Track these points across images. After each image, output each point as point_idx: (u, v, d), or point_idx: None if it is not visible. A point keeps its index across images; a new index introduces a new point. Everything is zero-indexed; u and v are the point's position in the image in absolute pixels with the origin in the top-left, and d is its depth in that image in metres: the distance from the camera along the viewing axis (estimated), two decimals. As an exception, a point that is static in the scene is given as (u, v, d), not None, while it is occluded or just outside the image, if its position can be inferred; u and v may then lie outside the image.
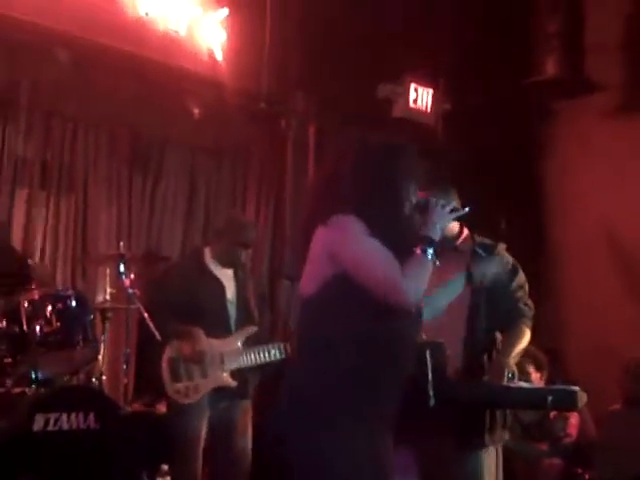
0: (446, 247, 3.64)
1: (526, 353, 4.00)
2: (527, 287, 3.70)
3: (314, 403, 2.58)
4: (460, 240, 3.69)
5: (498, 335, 3.57)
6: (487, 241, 3.73)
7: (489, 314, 3.56)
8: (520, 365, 3.69)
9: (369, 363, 2.59)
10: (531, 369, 5.12)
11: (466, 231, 3.73)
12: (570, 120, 7.21)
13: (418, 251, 2.67)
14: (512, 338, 3.57)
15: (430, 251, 2.69)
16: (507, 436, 3.60)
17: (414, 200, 2.77)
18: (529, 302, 3.68)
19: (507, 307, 3.60)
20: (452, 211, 2.84)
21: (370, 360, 2.59)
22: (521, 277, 3.68)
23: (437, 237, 2.74)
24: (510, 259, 3.70)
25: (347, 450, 2.55)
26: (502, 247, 3.72)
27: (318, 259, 2.63)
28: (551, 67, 6.67)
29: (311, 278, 2.65)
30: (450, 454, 3.46)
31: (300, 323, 2.75)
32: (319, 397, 2.58)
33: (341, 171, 2.71)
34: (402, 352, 2.67)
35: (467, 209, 2.94)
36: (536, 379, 5.14)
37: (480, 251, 3.63)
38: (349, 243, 2.61)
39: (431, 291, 3.59)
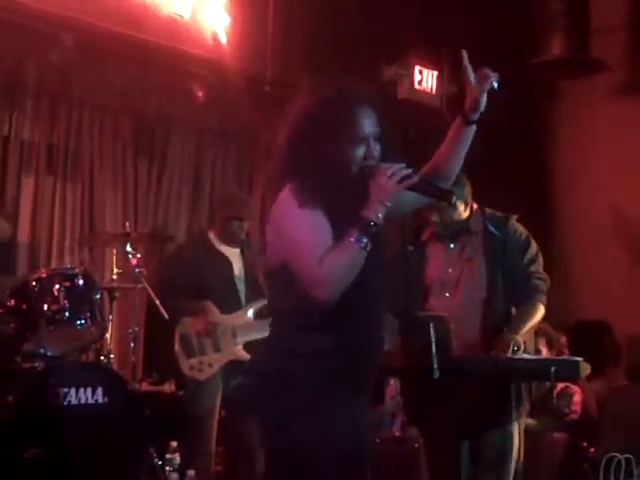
0: (460, 230, 3.71)
1: (539, 330, 3.98)
2: (541, 259, 3.69)
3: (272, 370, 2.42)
4: (472, 220, 3.69)
5: (513, 310, 3.61)
6: (498, 214, 3.74)
7: (506, 291, 3.58)
8: (531, 342, 3.70)
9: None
10: (542, 346, 5.11)
11: (475, 206, 3.74)
12: (576, 99, 7.20)
13: (351, 238, 2.29)
14: (524, 314, 3.60)
15: (364, 239, 2.30)
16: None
17: (371, 160, 2.39)
18: (543, 275, 3.67)
19: (520, 282, 3.61)
20: (402, 179, 2.34)
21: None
22: (533, 249, 3.67)
23: (377, 218, 2.32)
24: (523, 231, 3.70)
25: (312, 413, 2.36)
26: (514, 219, 3.72)
27: (271, 235, 2.44)
28: (557, 47, 6.64)
29: (269, 253, 2.45)
30: (477, 431, 3.50)
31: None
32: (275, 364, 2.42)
33: (280, 138, 2.45)
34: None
35: (416, 178, 2.38)
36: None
37: (493, 229, 3.64)
38: (285, 227, 2.38)
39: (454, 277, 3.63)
